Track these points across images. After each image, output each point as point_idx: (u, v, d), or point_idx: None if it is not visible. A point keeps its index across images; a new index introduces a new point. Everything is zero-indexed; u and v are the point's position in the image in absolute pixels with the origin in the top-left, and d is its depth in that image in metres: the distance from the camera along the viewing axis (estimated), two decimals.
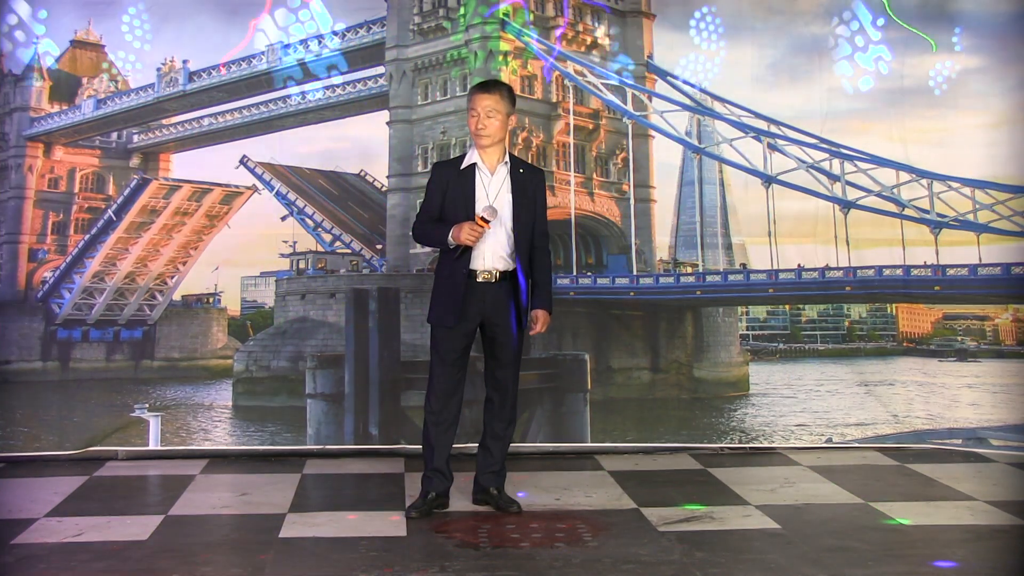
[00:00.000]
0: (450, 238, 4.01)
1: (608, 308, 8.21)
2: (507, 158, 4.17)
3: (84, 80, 8.64)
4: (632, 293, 8.41)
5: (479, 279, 4.09)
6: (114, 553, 3.60)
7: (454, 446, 4.21)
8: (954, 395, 7.57)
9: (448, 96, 8.53)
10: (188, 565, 3.46)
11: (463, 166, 4.15)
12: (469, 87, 8.30)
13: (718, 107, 7.86)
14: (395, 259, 8.32)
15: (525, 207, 4.14)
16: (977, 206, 7.38)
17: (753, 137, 7.92)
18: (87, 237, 8.69)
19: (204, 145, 8.93)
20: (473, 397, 4.43)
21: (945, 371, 8.23)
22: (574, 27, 8.54)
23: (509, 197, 4.12)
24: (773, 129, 7.76)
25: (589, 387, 7.38)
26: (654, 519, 4.05)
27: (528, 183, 4.17)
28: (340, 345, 7.62)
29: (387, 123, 8.52)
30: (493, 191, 4.11)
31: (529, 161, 8.69)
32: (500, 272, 4.11)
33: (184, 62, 8.57)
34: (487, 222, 3.98)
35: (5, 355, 7.57)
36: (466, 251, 4.04)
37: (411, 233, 4.27)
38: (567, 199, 8.54)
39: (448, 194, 4.11)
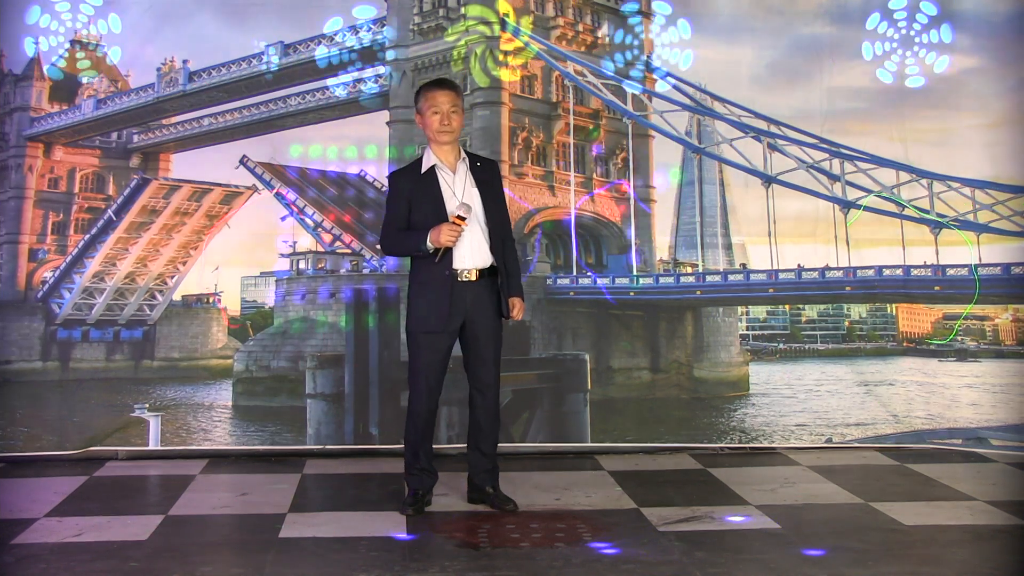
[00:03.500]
0: (428, 243, 3.97)
1: (608, 308, 8.20)
2: (463, 154, 4.15)
3: (84, 80, 8.63)
4: (632, 293, 8.40)
5: (460, 279, 4.05)
6: (114, 553, 3.60)
7: (448, 446, 4.21)
8: (954, 395, 7.56)
9: None
10: (188, 565, 3.46)
11: (423, 170, 4.10)
12: (471, 87, 8.35)
13: (718, 107, 7.86)
14: (396, 259, 8.31)
15: (492, 199, 4.12)
16: (977, 206, 7.37)
17: (753, 137, 7.91)
18: (87, 237, 8.69)
19: (204, 145, 8.92)
20: (463, 396, 4.42)
21: (945, 371, 8.22)
22: (574, 27, 8.54)
23: (476, 192, 4.09)
24: (773, 129, 7.75)
25: (589, 387, 7.38)
26: (654, 519, 4.05)
27: (489, 175, 4.16)
28: (340, 345, 7.62)
29: (387, 123, 8.52)
30: (459, 189, 4.07)
31: (529, 161, 8.74)
32: (479, 270, 4.08)
33: (184, 62, 8.57)
34: (463, 220, 3.96)
35: (5, 355, 7.56)
36: (447, 253, 4.01)
37: (379, 246, 4.20)
38: (567, 199, 8.54)
39: (414, 201, 4.06)
